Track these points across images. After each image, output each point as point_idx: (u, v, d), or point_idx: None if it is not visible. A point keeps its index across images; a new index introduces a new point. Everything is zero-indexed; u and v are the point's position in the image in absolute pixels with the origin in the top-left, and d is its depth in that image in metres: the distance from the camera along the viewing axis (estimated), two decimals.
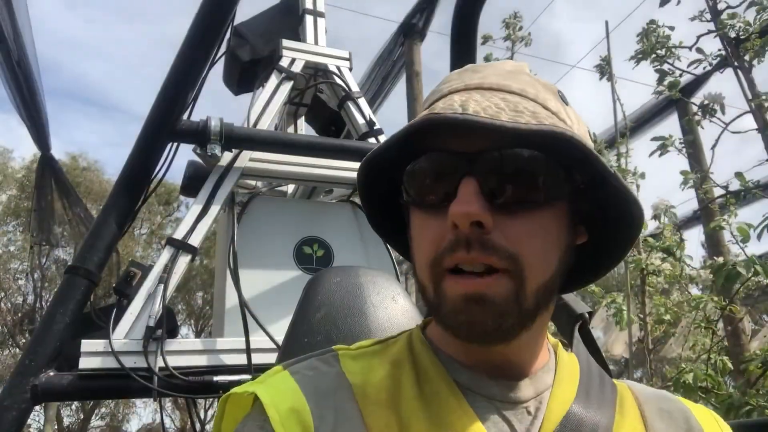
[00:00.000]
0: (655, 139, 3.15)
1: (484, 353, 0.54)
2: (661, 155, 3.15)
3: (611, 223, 0.58)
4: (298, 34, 2.62)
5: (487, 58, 4.38)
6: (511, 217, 0.51)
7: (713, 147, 3.12)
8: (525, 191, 0.51)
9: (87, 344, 1.65)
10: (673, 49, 3.23)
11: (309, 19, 2.60)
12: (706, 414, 0.60)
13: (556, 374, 0.57)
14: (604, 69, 3.56)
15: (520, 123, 0.50)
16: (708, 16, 3.13)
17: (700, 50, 3.16)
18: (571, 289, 0.66)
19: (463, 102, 0.52)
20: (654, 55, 3.21)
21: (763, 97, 2.78)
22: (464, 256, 0.49)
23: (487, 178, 0.50)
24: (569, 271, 0.57)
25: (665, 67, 3.22)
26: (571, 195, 0.54)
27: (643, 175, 3.22)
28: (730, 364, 2.73)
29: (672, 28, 3.21)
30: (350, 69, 2.47)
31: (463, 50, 1.79)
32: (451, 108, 0.51)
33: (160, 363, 1.67)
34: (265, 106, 2.19)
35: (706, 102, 3.05)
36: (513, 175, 0.51)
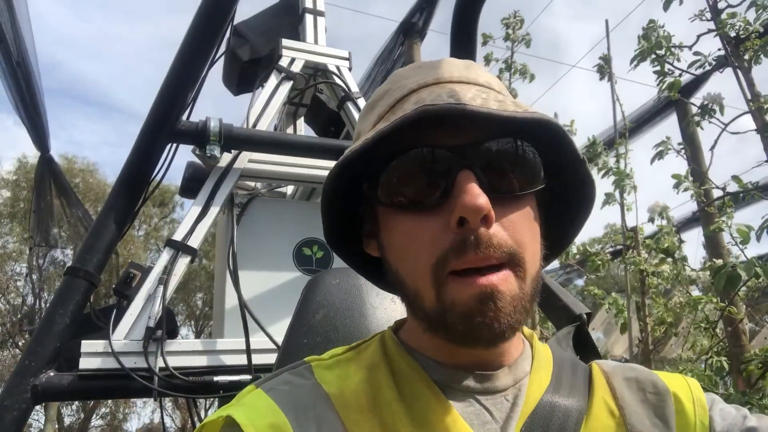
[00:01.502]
0: (656, 146, 3.15)
1: (459, 355, 0.54)
2: (660, 158, 3.14)
3: (565, 204, 0.59)
4: (297, 34, 2.61)
5: (487, 58, 4.38)
6: (506, 207, 0.50)
7: (712, 148, 3.12)
8: (517, 180, 0.51)
9: (87, 345, 1.65)
10: (673, 49, 3.22)
11: (309, 18, 2.60)
12: (673, 377, 0.59)
13: (533, 362, 0.58)
14: (604, 69, 3.56)
15: (513, 111, 0.49)
16: (708, 15, 3.13)
17: (698, 53, 3.16)
18: None
19: (450, 92, 0.51)
20: (654, 56, 3.21)
21: (762, 100, 2.78)
22: (475, 257, 0.48)
23: (483, 170, 0.50)
24: None
25: (665, 67, 3.21)
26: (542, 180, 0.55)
27: (634, 187, 3.22)
28: (726, 365, 2.73)
29: (670, 34, 3.21)
30: (350, 69, 2.46)
31: (463, 50, 1.78)
32: (441, 98, 0.49)
33: (160, 363, 1.67)
34: (265, 106, 2.19)
35: (705, 102, 3.05)
36: (506, 165, 0.51)
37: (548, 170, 0.54)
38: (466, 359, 0.54)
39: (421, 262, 0.50)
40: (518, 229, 0.50)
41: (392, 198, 0.53)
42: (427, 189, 0.51)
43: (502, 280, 0.48)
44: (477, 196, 0.47)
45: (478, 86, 0.55)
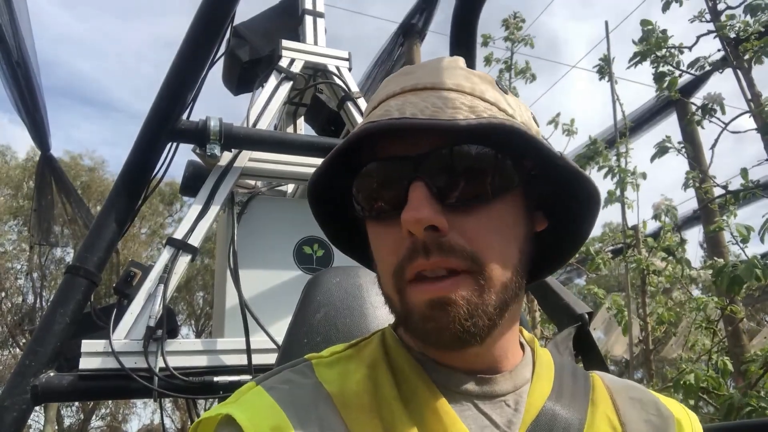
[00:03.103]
0: (657, 145, 3.15)
1: (458, 353, 0.54)
2: (660, 157, 3.14)
3: (568, 205, 0.58)
4: (297, 34, 2.62)
5: (487, 59, 4.38)
6: (464, 215, 0.50)
7: (712, 147, 3.12)
8: (474, 187, 0.51)
9: (87, 344, 1.65)
10: (673, 50, 3.23)
11: (308, 20, 2.60)
12: (674, 403, 0.60)
13: (534, 368, 0.58)
14: (604, 69, 3.56)
15: (459, 119, 0.49)
16: (708, 16, 3.13)
17: (697, 58, 3.16)
18: (540, 277, 0.64)
19: (400, 106, 0.51)
20: (653, 56, 3.21)
21: (763, 100, 2.78)
22: (424, 263, 0.48)
23: (435, 180, 0.50)
24: (536, 258, 0.58)
25: (665, 68, 3.22)
26: (523, 183, 0.54)
27: (644, 176, 3.22)
28: (730, 366, 2.73)
29: (667, 35, 3.21)
30: (350, 69, 2.47)
31: (462, 50, 1.78)
32: (388, 114, 0.50)
33: (161, 363, 1.67)
34: (265, 106, 2.19)
35: (705, 102, 3.05)
36: (460, 173, 0.50)
37: (530, 171, 0.55)
38: (458, 361, 0.54)
39: (386, 268, 0.52)
40: (480, 236, 0.50)
41: (362, 208, 0.55)
42: (385, 200, 0.52)
43: (453, 287, 0.48)
44: (418, 208, 0.47)
45: (444, 90, 0.53)
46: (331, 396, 0.52)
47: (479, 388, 0.53)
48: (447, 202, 0.49)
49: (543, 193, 0.57)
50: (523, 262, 0.54)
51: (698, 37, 3.23)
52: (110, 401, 15.30)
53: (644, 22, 3.22)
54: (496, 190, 0.51)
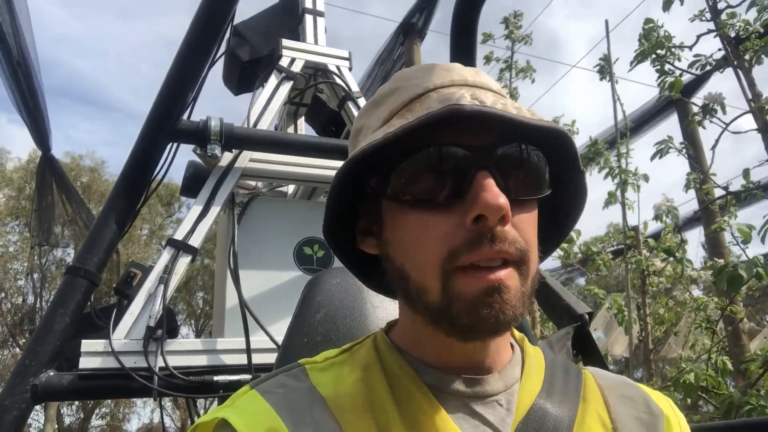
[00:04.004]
0: (657, 143, 3.15)
1: (453, 353, 0.55)
2: (661, 157, 3.14)
3: (555, 212, 0.61)
4: (297, 34, 2.61)
5: (487, 58, 4.38)
6: (518, 209, 0.52)
7: (713, 147, 3.12)
8: (530, 183, 0.54)
9: (87, 344, 1.65)
10: (673, 49, 3.22)
11: (309, 19, 2.60)
12: (663, 399, 0.62)
13: (524, 367, 0.58)
14: (604, 69, 3.56)
15: (533, 119, 0.51)
16: (708, 15, 3.13)
17: (698, 56, 3.16)
18: None
19: (473, 95, 0.52)
20: (654, 55, 3.21)
21: (763, 100, 2.78)
22: (489, 251, 0.49)
23: (501, 171, 0.51)
24: None
25: (666, 67, 3.21)
26: None
27: (646, 178, 3.22)
28: (730, 365, 2.73)
29: (670, 34, 3.21)
30: (350, 69, 2.47)
31: (463, 49, 1.78)
32: (465, 99, 0.51)
33: (161, 363, 1.67)
34: (265, 106, 2.19)
35: (706, 102, 3.05)
36: (522, 168, 0.53)
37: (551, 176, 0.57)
38: (456, 361, 0.55)
39: (429, 257, 0.51)
40: (527, 230, 0.53)
41: (403, 194, 0.53)
42: (441, 186, 0.52)
43: (509, 276, 0.50)
44: (498, 195, 0.49)
45: (492, 92, 0.56)
46: (326, 399, 0.53)
47: (471, 388, 0.54)
48: (507, 195, 0.50)
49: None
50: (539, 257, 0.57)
51: (698, 37, 3.23)
52: (110, 400, 15.31)
53: (648, 21, 3.22)
54: (539, 189, 0.55)
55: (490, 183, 0.49)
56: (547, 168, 0.55)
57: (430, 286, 0.52)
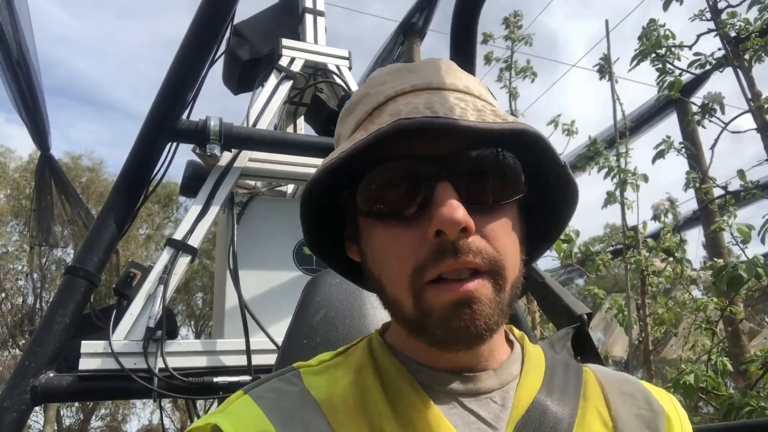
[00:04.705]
0: (657, 144, 3.15)
1: (441, 358, 0.54)
2: (661, 158, 3.14)
3: (548, 209, 0.59)
4: (297, 33, 2.61)
5: (487, 57, 4.38)
6: (486, 216, 0.51)
7: (712, 147, 3.12)
8: (496, 190, 0.52)
9: (87, 345, 1.65)
10: (673, 49, 3.22)
11: (309, 18, 2.60)
12: (665, 396, 0.61)
13: (523, 365, 0.58)
14: (604, 68, 3.55)
15: (492, 123, 0.49)
16: (708, 15, 3.13)
17: (698, 54, 3.16)
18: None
19: (427, 103, 0.50)
20: (654, 55, 3.21)
21: (763, 99, 2.78)
22: (453, 263, 0.48)
23: (462, 181, 0.50)
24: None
25: (665, 66, 3.21)
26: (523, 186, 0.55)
27: (645, 178, 3.21)
28: (730, 366, 2.73)
29: (671, 33, 3.21)
30: (350, 68, 2.47)
31: (463, 49, 1.78)
32: (417, 111, 0.49)
33: (160, 364, 1.67)
34: (265, 105, 2.19)
35: (705, 102, 3.05)
36: (485, 175, 0.51)
37: (531, 175, 0.55)
38: (448, 362, 0.55)
39: (399, 271, 0.51)
40: (499, 238, 0.51)
41: (371, 208, 0.53)
42: (405, 200, 0.51)
43: (479, 287, 0.49)
44: (455, 209, 0.47)
45: (458, 92, 0.54)
46: (318, 402, 0.53)
47: (464, 386, 0.54)
48: (471, 204, 0.49)
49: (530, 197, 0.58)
50: (523, 262, 0.55)
51: (698, 36, 3.23)
52: (110, 402, 15.31)
53: (651, 22, 3.22)
54: (511, 193, 0.53)
55: (448, 195, 0.48)
56: (518, 169, 0.53)
57: (403, 299, 0.52)
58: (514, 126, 0.50)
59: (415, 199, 0.50)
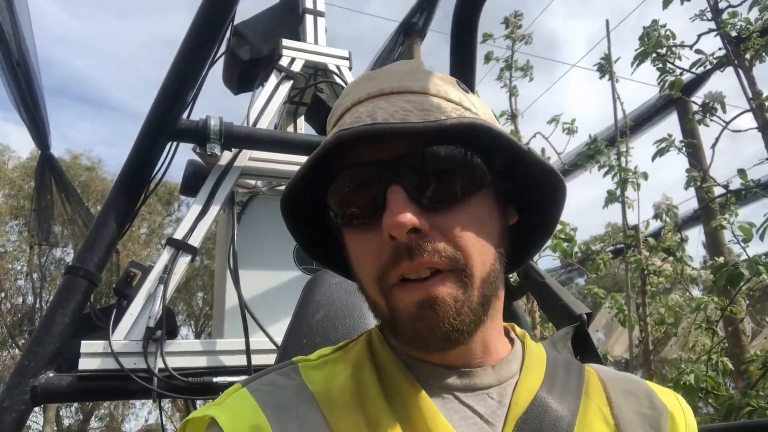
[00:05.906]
0: (657, 142, 3.15)
1: (432, 355, 0.55)
2: (662, 155, 3.14)
3: (537, 198, 0.59)
4: (297, 34, 2.61)
5: (487, 57, 4.38)
6: (442, 214, 0.51)
7: (713, 146, 3.12)
8: (449, 187, 0.52)
9: (87, 345, 1.64)
10: (674, 48, 3.22)
11: (309, 19, 2.60)
12: (669, 394, 0.61)
13: (523, 363, 0.58)
14: (604, 68, 3.55)
15: (430, 121, 0.50)
16: (709, 14, 3.13)
17: (699, 52, 3.15)
18: (515, 269, 0.66)
19: (370, 112, 0.52)
20: (655, 55, 3.21)
21: (764, 97, 2.77)
22: (409, 265, 0.49)
23: (411, 182, 0.50)
24: (511, 251, 0.58)
25: (666, 66, 3.21)
26: (494, 180, 0.55)
27: (645, 176, 3.21)
28: (730, 365, 2.73)
29: (672, 33, 3.21)
30: (350, 68, 2.47)
31: (463, 49, 1.78)
32: (359, 120, 0.51)
33: (160, 364, 1.67)
34: (265, 105, 2.19)
35: (706, 101, 3.05)
36: (436, 174, 0.51)
37: (510, 168, 0.56)
38: (441, 359, 0.55)
39: (369, 274, 0.53)
40: (460, 234, 0.51)
41: (339, 215, 0.55)
42: (365, 206, 0.52)
43: (440, 286, 0.49)
44: (400, 212, 0.48)
45: (410, 94, 0.55)
46: (315, 396, 0.54)
47: (460, 381, 0.55)
48: (424, 204, 0.50)
49: (512, 188, 0.58)
50: (500, 256, 0.55)
51: (699, 36, 3.23)
52: (109, 402, 15.30)
53: (654, 22, 3.22)
54: (470, 188, 0.52)
55: (396, 199, 0.49)
56: (477, 163, 0.53)
57: (377, 301, 0.53)
58: (455, 122, 0.50)
59: (371, 204, 0.52)
